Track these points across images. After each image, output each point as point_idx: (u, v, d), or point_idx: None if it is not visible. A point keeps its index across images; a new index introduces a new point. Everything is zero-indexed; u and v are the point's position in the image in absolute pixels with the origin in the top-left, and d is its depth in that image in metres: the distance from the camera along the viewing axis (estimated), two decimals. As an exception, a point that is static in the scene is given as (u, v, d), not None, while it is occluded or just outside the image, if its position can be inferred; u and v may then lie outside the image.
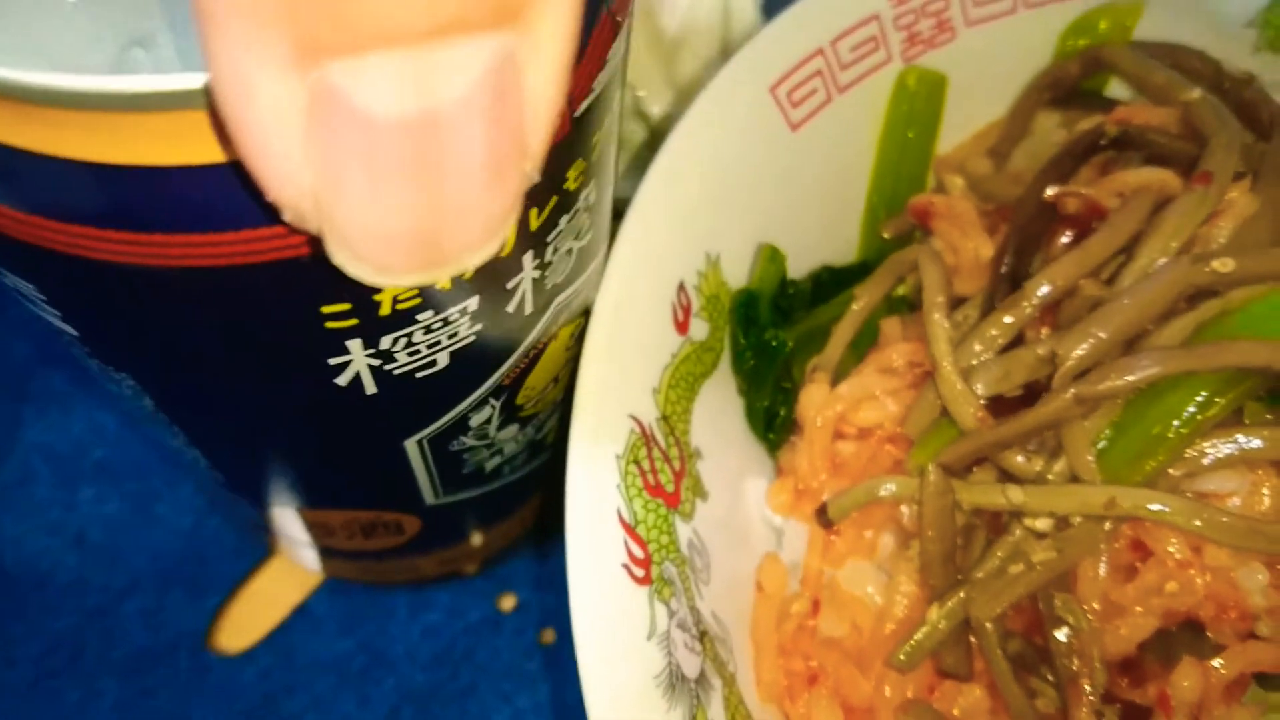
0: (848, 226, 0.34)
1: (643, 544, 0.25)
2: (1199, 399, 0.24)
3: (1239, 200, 0.27)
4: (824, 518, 0.28)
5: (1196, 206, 0.27)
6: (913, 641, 0.25)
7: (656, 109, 0.43)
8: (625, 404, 0.26)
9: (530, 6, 0.11)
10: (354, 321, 0.17)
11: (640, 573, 0.24)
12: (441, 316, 0.18)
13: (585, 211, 0.20)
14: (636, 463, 0.26)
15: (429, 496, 0.27)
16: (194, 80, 0.13)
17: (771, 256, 0.30)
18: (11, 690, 0.35)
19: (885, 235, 0.34)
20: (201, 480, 0.35)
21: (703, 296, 0.29)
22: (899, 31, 0.33)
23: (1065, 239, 0.29)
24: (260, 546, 0.38)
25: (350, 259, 0.13)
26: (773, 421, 0.30)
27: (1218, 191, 0.27)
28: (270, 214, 0.14)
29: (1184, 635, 0.24)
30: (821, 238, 0.33)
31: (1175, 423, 0.24)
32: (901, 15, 0.33)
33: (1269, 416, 0.25)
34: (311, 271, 0.15)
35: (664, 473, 0.26)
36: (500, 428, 0.25)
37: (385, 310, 0.17)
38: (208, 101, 0.13)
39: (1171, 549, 0.24)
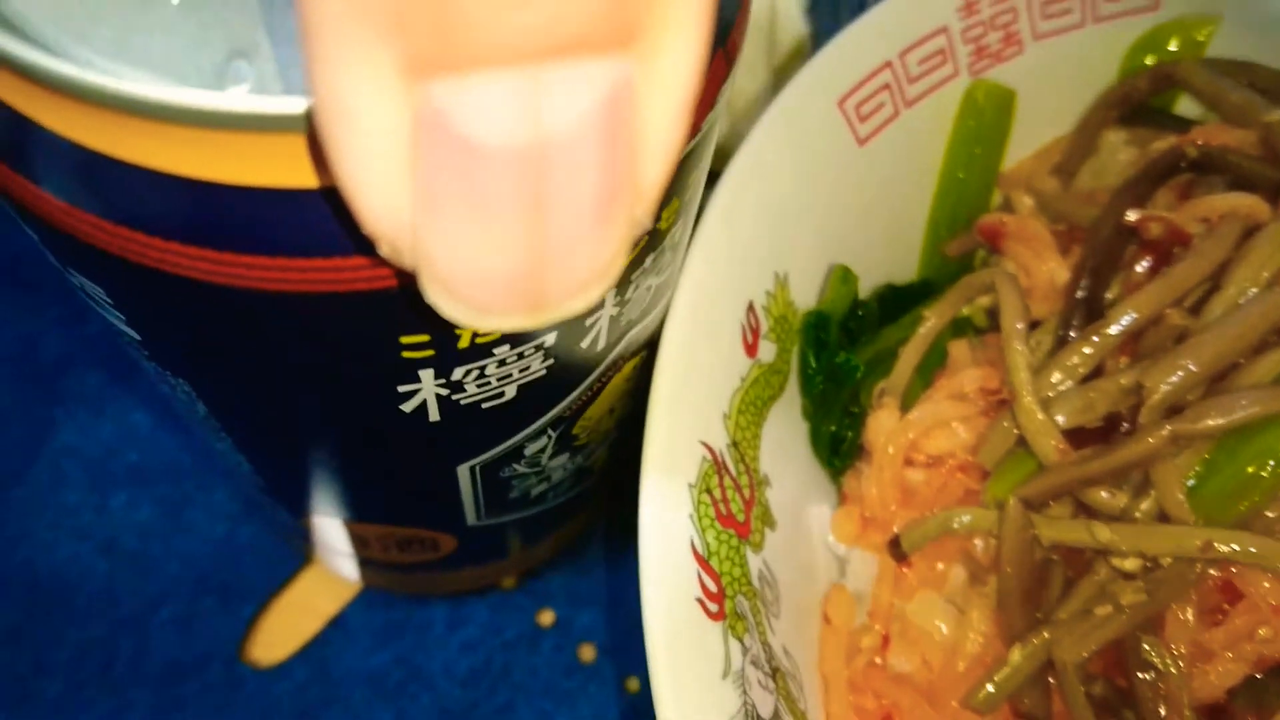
0: (910, 243, 0.33)
1: (716, 577, 0.24)
2: (1296, 438, 0.24)
3: (1330, 230, 0.26)
4: (897, 550, 0.27)
5: (1288, 235, 0.26)
6: (993, 683, 0.25)
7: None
8: (697, 430, 0.25)
9: (653, 32, 0.10)
10: (430, 353, 0.17)
11: (714, 607, 0.24)
12: (517, 351, 0.18)
13: (671, 250, 0.20)
14: (709, 491, 0.25)
15: (471, 518, 0.26)
16: (297, 104, 0.12)
17: (844, 278, 0.29)
18: (40, 700, 0.35)
19: (949, 254, 0.33)
20: (238, 486, 0.34)
21: (771, 317, 0.28)
22: (967, 45, 0.32)
23: (1144, 265, 0.28)
24: (295, 556, 0.37)
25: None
26: (839, 447, 0.29)
27: (1309, 220, 0.26)
28: (358, 243, 0.14)
29: (1276, 683, 0.24)
30: (886, 255, 0.32)
31: (1271, 462, 0.24)
32: (970, 28, 0.32)
33: (1366, 457, 0.24)
34: (396, 303, 0.15)
35: (735, 502, 0.26)
36: (553, 456, 0.25)
37: (464, 344, 0.17)
38: (308, 125, 0.12)
39: (1267, 591, 0.23)
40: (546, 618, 0.37)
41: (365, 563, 0.32)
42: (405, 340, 0.16)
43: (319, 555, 0.35)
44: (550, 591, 0.37)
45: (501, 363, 0.18)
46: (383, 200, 0.11)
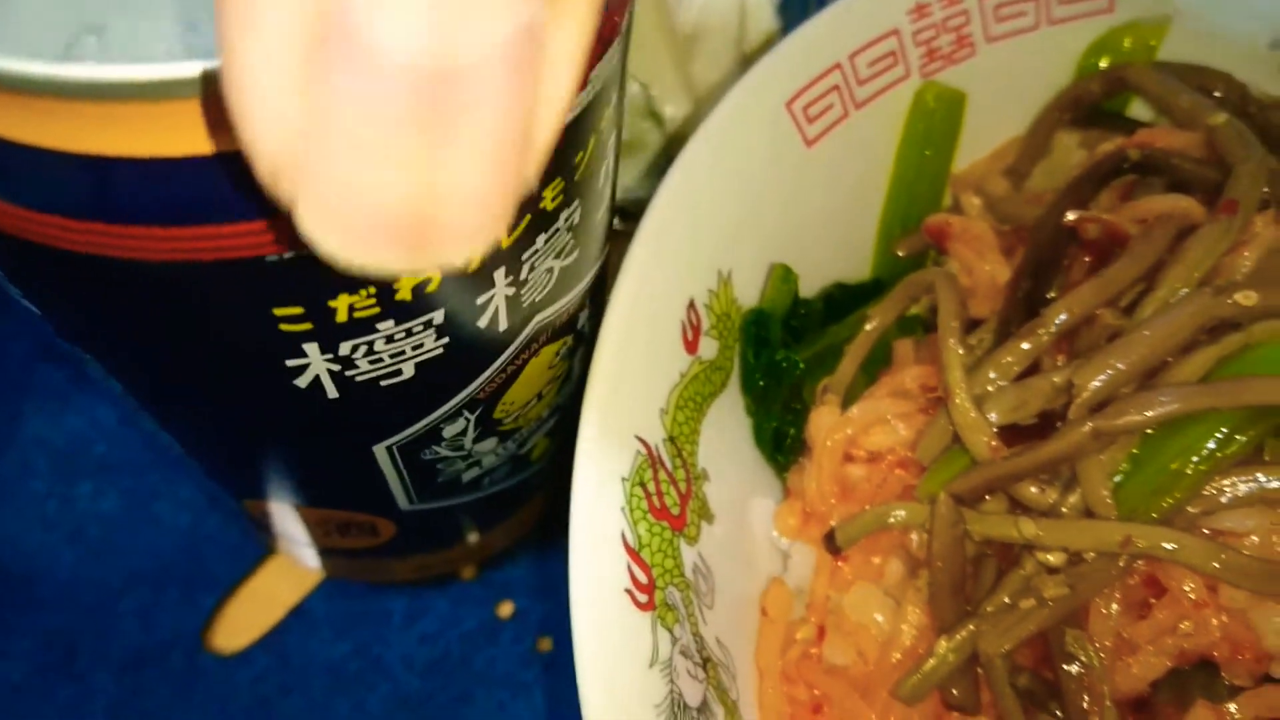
0: (861, 243, 0.34)
1: (646, 568, 0.24)
2: (1219, 436, 0.24)
3: (1264, 231, 0.27)
4: (831, 543, 0.27)
5: (1220, 236, 0.26)
6: (920, 673, 0.25)
7: (670, 109, 0.42)
8: (632, 425, 0.25)
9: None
10: (308, 326, 0.17)
11: (643, 598, 0.24)
12: (404, 327, 0.18)
13: (568, 231, 0.20)
14: (642, 485, 0.25)
15: (403, 502, 0.27)
16: (172, 70, 0.13)
17: (784, 276, 0.29)
18: (3, 686, 0.35)
19: (900, 254, 0.33)
20: (202, 478, 0.34)
21: (713, 315, 0.28)
22: (918, 47, 0.33)
23: (1084, 265, 0.28)
24: (258, 546, 0.38)
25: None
26: (781, 443, 0.30)
27: (1242, 221, 0.27)
28: (223, 211, 0.14)
29: (1198, 676, 0.24)
30: (834, 254, 0.33)
31: (1194, 459, 0.24)
32: (921, 30, 0.33)
33: (1289, 456, 0.25)
34: (265, 273, 0.15)
35: (670, 495, 0.26)
36: (477, 440, 0.25)
37: (342, 317, 0.17)
38: (167, 91, 0.13)
39: (1187, 588, 0.24)
40: (505, 609, 0.37)
41: (323, 551, 0.32)
42: (279, 312, 0.16)
43: (280, 545, 0.36)
44: (509, 583, 0.38)
45: (390, 339, 0.18)
46: (272, 108, 0.10)
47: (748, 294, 0.30)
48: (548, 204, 0.18)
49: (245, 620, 0.37)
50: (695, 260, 0.28)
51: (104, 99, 0.13)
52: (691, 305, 0.28)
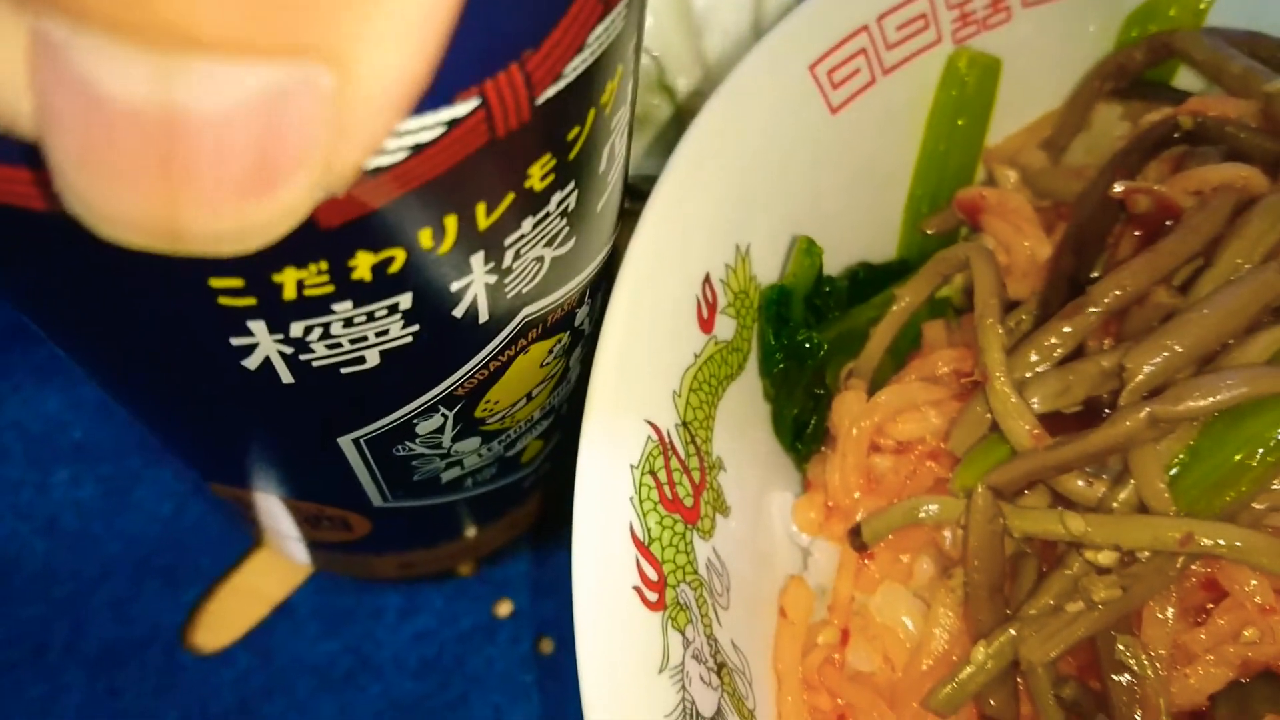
0: (888, 221, 0.32)
1: (656, 564, 0.22)
2: (1288, 425, 0.22)
3: (1332, 204, 0.24)
4: (857, 540, 0.25)
5: (1285, 209, 0.24)
6: (955, 683, 0.23)
7: (682, 83, 0.40)
8: (642, 408, 0.23)
9: (346, 47, 0.10)
10: (252, 301, 0.15)
11: (653, 597, 0.22)
12: (364, 310, 0.16)
13: (561, 217, 0.18)
14: (653, 473, 0.23)
15: (376, 499, 0.25)
16: None
17: (808, 249, 0.27)
18: (-29, 683, 0.33)
19: (928, 231, 0.31)
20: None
21: (730, 292, 0.26)
22: (951, 10, 0.31)
23: (1133, 240, 0.26)
24: (244, 537, 0.36)
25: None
26: (802, 431, 0.27)
27: (1309, 193, 0.24)
28: None
29: (1263, 688, 0.22)
30: (860, 232, 0.31)
31: (1260, 450, 0.22)
32: (955, -9, 0.31)
33: (1364, 447, 0.22)
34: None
35: (682, 485, 0.24)
36: (456, 439, 0.23)
37: (290, 294, 0.15)
38: None
39: (1253, 589, 0.22)
40: (504, 608, 0.35)
41: (307, 543, 0.30)
42: (216, 284, 0.15)
43: (265, 536, 0.34)
44: (509, 580, 0.36)
45: (349, 322, 0.16)
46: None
47: (767, 270, 0.28)
48: (535, 183, 0.16)
49: (228, 616, 0.35)
50: (711, 232, 0.26)
51: None
52: (707, 280, 0.26)
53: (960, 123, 0.31)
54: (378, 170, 0.14)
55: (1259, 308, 0.23)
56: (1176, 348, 0.23)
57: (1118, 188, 0.26)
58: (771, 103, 0.28)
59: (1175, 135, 0.28)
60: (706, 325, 0.26)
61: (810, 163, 0.29)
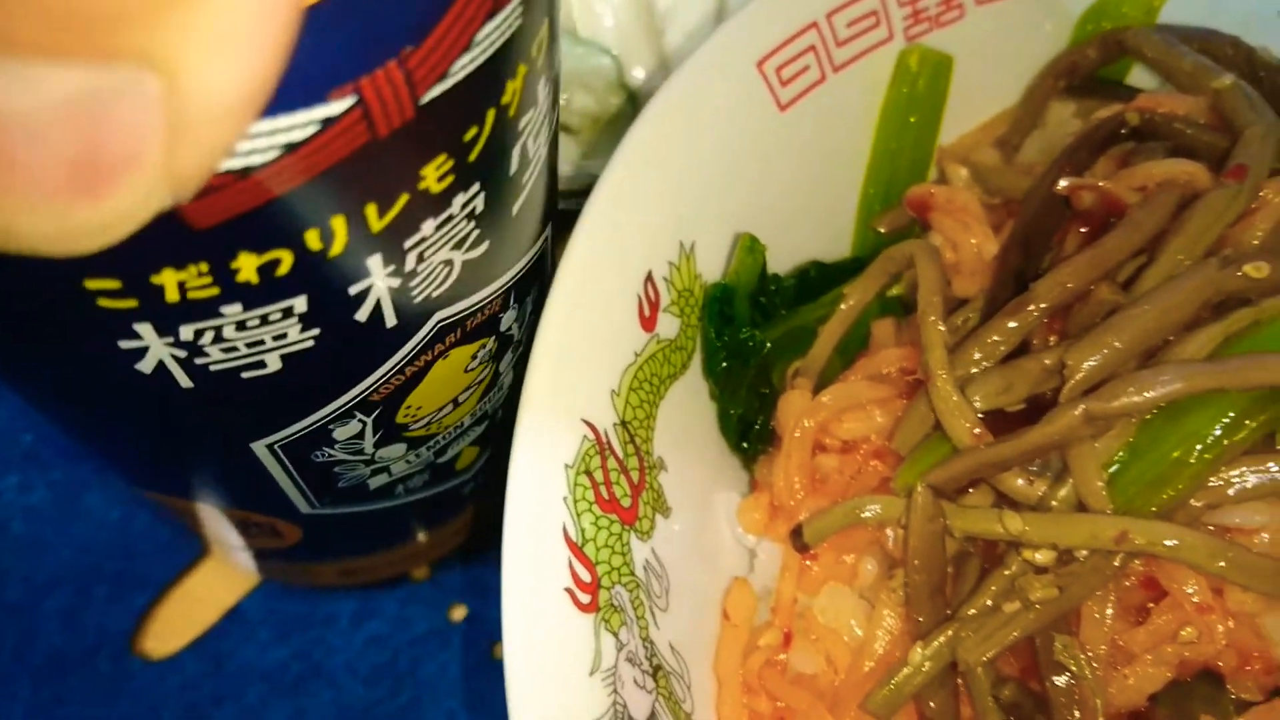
0: (840, 219, 0.31)
1: (590, 566, 0.22)
2: (1226, 421, 0.22)
3: (1275, 198, 0.24)
4: (799, 541, 0.25)
5: (1227, 204, 0.24)
6: (892, 684, 0.22)
7: (643, 84, 0.40)
8: (578, 407, 0.23)
9: (168, 51, 0.10)
10: (133, 303, 0.15)
11: (586, 598, 0.22)
12: (257, 314, 0.16)
13: (467, 220, 0.18)
14: (588, 473, 0.23)
15: (303, 505, 0.24)
16: None
17: (750, 247, 0.27)
18: (-85, 691, 0.33)
19: (880, 230, 0.31)
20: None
21: (674, 290, 0.26)
22: (902, 7, 0.31)
23: (1079, 237, 0.26)
24: (194, 544, 0.35)
25: None
26: (748, 431, 0.27)
27: (1251, 188, 0.24)
28: None
29: (1201, 688, 0.21)
30: (811, 230, 0.30)
31: (1198, 447, 0.22)
32: (906, -12, 0.30)
33: (1304, 443, 0.22)
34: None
35: (620, 485, 0.23)
36: (380, 445, 0.23)
37: (173, 296, 0.15)
38: None
39: (1190, 590, 0.21)
40: (458, 613, 0.35)
41: (250, 551, 0.30)
42: (92, 285, 0.14)
43: (212, 545, 0.33)
44: (464, 584, 0.35)
45: (242, 325, 0.16)
46: None
47: (713, 269, 0.27)
48: (431, 185, 0.16)
49: (177, 622, 0.34)
50: (654, 230, 0.26)
51: None
52: (649, 278, 0.25)
53: (912, 120, 0.31)
54: (247, 170, 0.13)
55: (1199, 303, 0.23)
56: (1116, 344, 0.23)
57: (1063, 184, 0.26)
58: (718, 100, 0.28)
59: (1123, 131, 0.27)
60: (648, 323, 0.25)
61: (759, 160, 0.29)
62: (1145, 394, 0.21)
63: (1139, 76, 0.32)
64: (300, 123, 0.13)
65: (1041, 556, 0.22)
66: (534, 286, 0.23)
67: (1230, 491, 0.21)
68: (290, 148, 0.13)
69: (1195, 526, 0.21)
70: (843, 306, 0.28)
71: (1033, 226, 0.26)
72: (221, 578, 0.35)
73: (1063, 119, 0.32)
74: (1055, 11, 0.33)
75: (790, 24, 0.29)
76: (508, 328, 0.23)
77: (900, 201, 0.31)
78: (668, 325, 0.26)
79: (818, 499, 0.26)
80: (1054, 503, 0.22)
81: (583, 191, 0.40)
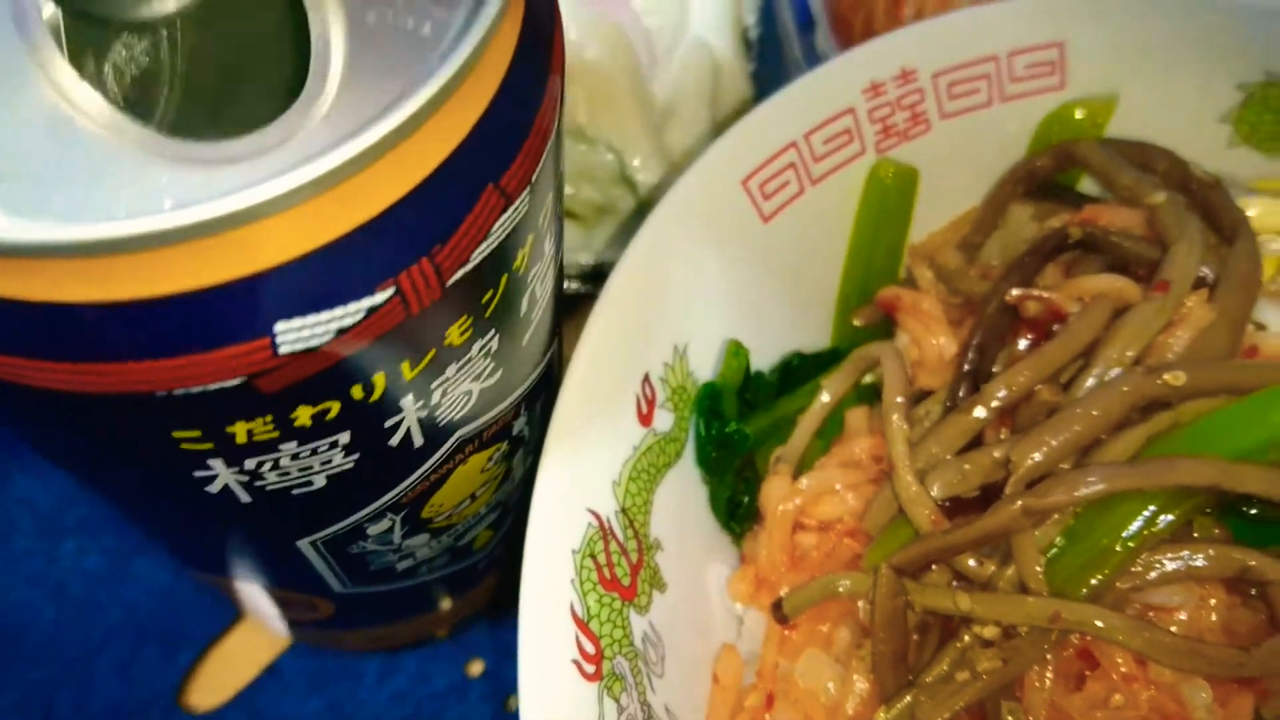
0: (820, 312, 0.35)
1: (594, 639, 0.25)
2: (1147, 514, 0.25)
3: (1196, 310, 0.28)
4: (779, 613, 0.28)
5: (1154, 316, 0.27)
6: (859, 744, 0.26)
7: (643, 176, 0.43)
8: (584, 498, 0.26)
9: None
10: (210, 445, 0.18)
11: (590, 669, 0.25)
12: (308, 447, 0.19)
13: (485, 358, 0.21)
14: (593, 557, 0.26)
15: (336, 586, 0.28)
16: (113, 229, 0.14)
17: (736, 352, 0.30)
18: (-18, 741, 0.36)
19: (856, 323, 0.34)
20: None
21: (668, 388, 0.29)
22: (873, 124, 0.34)
23: (1026, 340, 0.29)
24: (234, 605, 0.38)
25: None
26: (735, 510, 0.30)
27: (1175, 301, 0.28)
28: (121, 352, 0.15)
29: (1128, 749, 0.24)
30: (792, 324, 0.34)
31: (1123, 535, 0.25)
32: (877, 108, 0.34)
33: (1216, 532, 0.25)
34: (162, 404, 0.17)
35: (620, 566, 0.27)
36: (406, 537, 0.26)
37: (242, 440, 0.18)
38: (83, 250, 0.14)
39: (1119, 661, 0.24)
40: (476, 668, 0.38)
41: (285, 620, 0.33)
42: (179, 435, 0.18)
43: (248, 612, 0.37)
44: (480, 642, 0.39)
45: (295, 456, 0.19)
46: None
47: (704, 366, 0.31)
48: (454, 339, 0.19)
49: (220, 678, 0.38)
50: (651, 336, 0.29)
51: (67, 255, 0.14)
52: (646, 379, 0.29)
53: (884, 226, 0.34)
54: (309, 350, 0.16)
55: (1127, 407, 0.26)
56: (1054, 442, 0.26)
57: (1013, 294, 0.29)
58: (708, 215, 0.31)
59: (1067, 242, 0.31)
60: (645, 420, 0.29)
61: (745, 266, 0.32)
62: (1074, 493, 0.24)
63: (1090, 181, 0.36)
64: (351, 311, 0.16)
65: (988, 632, 0.25)
66: (543, 392, 0.27)
67: (1151, 575, 0.25)
68: (342, 330, 0.17)
69: (1121, 607, 0.25)
70: (817, 402, 0.31)
71: (988, 330, 0.30)
72: (259, 638, 0.38)
73: (1021, 220, 0.35)
74: (1012, 122, 0.36)
75: (772, 144, 0.32)
76: (519, 430, 0.26)
77: (873, 299, 0.34)
78: (663, 420, 0.29)
79: (797, 573, 0.29)
80: (1000, 583, 0.26)
81: (586, 275, 0.44)
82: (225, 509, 0.21)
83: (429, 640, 0.38)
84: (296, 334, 0.16)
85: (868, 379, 0.33)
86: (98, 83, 0.18)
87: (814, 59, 0.43)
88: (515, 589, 0.38)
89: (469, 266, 0.18)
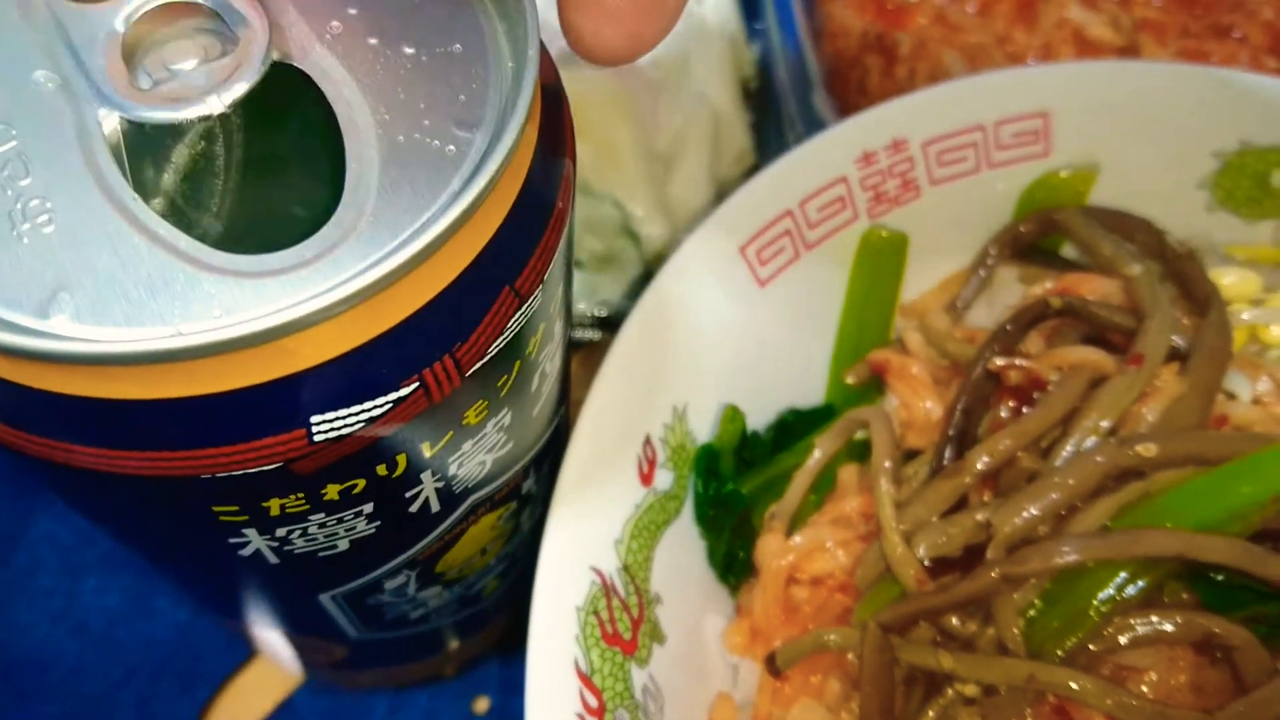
0: (814, 370, 0.36)
1: (597, 693, 0.27)
2: (1119, 580, 0.26)
3: (1168, 383, 0.29)
4: (772, 666, 0.30)
5: (1128, 388, 0.29)
6: (845, 795, 0.27)
7: (647, 229, 0.45)
8: (588, 557, 0.28)
9: None
10: (245, 518, 0.20)
11: (593, 721, 0.26)
12: (335, 517, 0.21)
13: (498, 432, 0.22)
14: (596, 613, 0.28)
15: (352, 633, 0.29)
16: (169, 343, 0.16)
17: (732, 417, 0.32)
18: (8, 774, 0.37)
19: (849, 382, 0.36)
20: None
21: (669, 448, 0.31)
22: (866, 191, 0.36)
23: (1008, 407, 0.31)
24: (248, 643, 0.40)
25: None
26: (732, 563, 0.32)
27: (1148, 374, 0.29)
28: (167, 442, 0.17)
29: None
30: (788, 383, 0.35)
31: (1097, 600, 0.26)
32: (869, 177, 0.36)
33: (1185, 597, 0.27)
34: (207, 485, 0.18)
35: (622, 621, 0.28)
36: (420, 589, 0.27)
37: (275, 513, 0.20)
38: (139, 358, 0.16)
39: (1089, 717, 0.26)
40: (482, 704, 0.40)
41: (300, 660, 0.35)
42: (218, 509, 0.19)
43: (262, 650, 0.38)
44: (486, 678, 0.40)
45: (323, 525, 0.21)
46: None
47: (703, 426, 0.32)
48: (471, 420, 0.21)
49: (236, 713, 0.39)
50: (652, 399, 0.31)
51: (141, 363, 0.16)
52: (648, 441, 0.30)
53: (875, 289, 0.36)
54: (340, 438, 0.18)
55: (1102, 476, 0.28)
56: (1033, 510, 0.28)
57: (995, 363, 0.31)
58: (706, 282, 0.33)
59: (1048, 312, 0.32)
60: (646, 479, 0.30)
61: (742, 330, 0.34)
62: (1050, 561, 0.26)
63: (1072, 246, 0.38)
64: (380, 404, 0.18)
65: (969, 690, 0.26)
66: (551, 453, 0.28)
67: (1123, 639, 0.26)
68: (371, 420, 0.18)
69: (1096, 667, 0.26)
70: (810, 460, 0.33)
71: (972, 395, 0.31)
72: (274, 674, 0.40)
73: (1007, 282, 0.37)
74: (999, 188, 0.38)
75: (768, 212, 0.34)
76: (528, 490, 0.28)
77: (865, 359, 0.36)
78: (663, 479, 0.31)
79: (790, 626, 0.31)
80: (981, 642, 0.27)
81: (591, 323, 0.45)
82: (253, 567, 0.23)
83: (437, 677, 0.40)
84: (330, 425, 0.18)
85: (859, 435, 0.34)
86: (152, 196, 0.19)
87: (810, 116, 0.44)
88: (520, 629, 0.40)
89: (486, 358, 0.19)
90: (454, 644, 0.36)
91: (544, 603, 0.27)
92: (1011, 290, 0.37)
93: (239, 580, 0.25)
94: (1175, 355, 0.30)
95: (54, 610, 0.41)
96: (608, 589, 0.28)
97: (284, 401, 0.17)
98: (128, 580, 0.41)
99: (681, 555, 0.31)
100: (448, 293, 0.18)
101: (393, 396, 0.18)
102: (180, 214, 0.20)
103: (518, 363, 0.21)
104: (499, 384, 0.21)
